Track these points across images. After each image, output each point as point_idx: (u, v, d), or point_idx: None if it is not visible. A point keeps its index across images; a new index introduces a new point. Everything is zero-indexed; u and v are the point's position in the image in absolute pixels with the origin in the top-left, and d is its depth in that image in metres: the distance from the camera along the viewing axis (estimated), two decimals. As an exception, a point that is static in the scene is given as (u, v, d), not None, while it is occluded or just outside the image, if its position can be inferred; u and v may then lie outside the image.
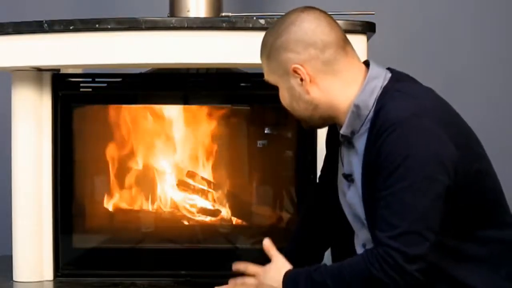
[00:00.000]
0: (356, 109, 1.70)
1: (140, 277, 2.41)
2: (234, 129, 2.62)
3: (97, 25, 2.24)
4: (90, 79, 2.45)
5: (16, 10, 2.97)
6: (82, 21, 2.25)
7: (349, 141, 1.76)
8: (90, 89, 2.45)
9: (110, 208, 2.60)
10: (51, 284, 2.40)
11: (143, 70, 2.54)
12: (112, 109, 2.57)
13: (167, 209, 2.61)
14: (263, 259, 1.82)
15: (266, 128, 2.58)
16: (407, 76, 1.78)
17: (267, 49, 1.77)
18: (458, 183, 1.62)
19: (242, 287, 1.82)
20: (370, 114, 1.69)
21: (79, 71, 2.59)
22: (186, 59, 2.26)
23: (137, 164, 2.62)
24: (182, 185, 2.61)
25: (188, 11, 2.43)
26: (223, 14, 2.45)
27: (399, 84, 1.71)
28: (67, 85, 2.44)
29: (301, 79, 1.72)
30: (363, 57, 2.02)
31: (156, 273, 2.42)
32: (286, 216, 2.55)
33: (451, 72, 2.95)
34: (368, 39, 2.26)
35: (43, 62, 2.28)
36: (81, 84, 2.45)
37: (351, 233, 1.87)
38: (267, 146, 2.56)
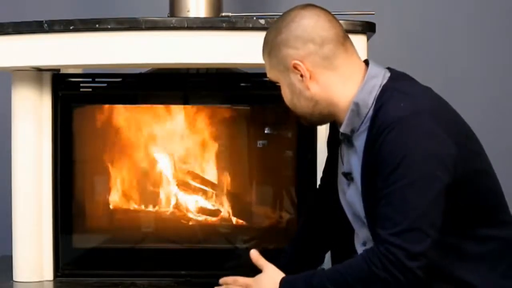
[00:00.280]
0: (356, 107, 1.71)
1: (140, 277, 2.41)
2: (234, 129, 2.61)
3: (97, 25, 2.24)
4: (90, 79, 2.45)
5: (16, 10, 2.97)
6: (82, 21, 2.25)
7: (348, 140, 1.77)
8: (90, 89, 2.45)
9: (110, 208, 2.60)
10: (51, 284, 2.40)
11: (143, 70, 2.54)
12: (112, 109, 2.57)
13: (167, 209, 2.61)
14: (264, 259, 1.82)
15: (266, 128, 2.58)
16: (406, 75, 1.78)
17: (268, 46, 1.78)
18: (457, 181, 1.63)
19: None
20: (370, 112, 1.69)
21: (79, 71, 2.59)
22: (186, 59, 2.26)
23: (137, 164, 2.62)
24: (182, 185, 2.61)
25: (188, 11, 2.43)
26: (223, 14, 2.45)
27: (398, 83, 1.72)
28: (67, 85, 2.44)
29: (301, 75, 1.73)
30: (363, 57, 2.02)
31: (156, 273, 2.42)
32: (286, 216, 2.55)
33: (451, 72, 2.95)
34: (368, 39, 2.26)
35: (43, 62, 2.28)
36: (81, 84, 2.45)
37: (351, 233, 1.87)
38: (267, 146, 2.56)
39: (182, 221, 2.58)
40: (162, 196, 2.61)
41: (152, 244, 2.52)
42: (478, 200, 1.69)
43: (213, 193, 2.62)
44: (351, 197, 1.80)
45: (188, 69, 2.50)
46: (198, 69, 2.50)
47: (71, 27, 2.24)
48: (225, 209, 2.60)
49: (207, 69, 2.49)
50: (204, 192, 2.61)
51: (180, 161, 2.63)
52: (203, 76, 2.50)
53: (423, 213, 1.58)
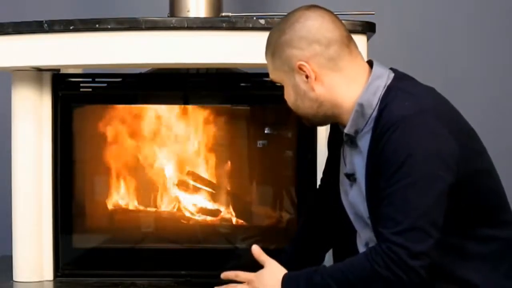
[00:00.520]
0: (360, 108, 1.71)
1: (140, 277, 2.41)
2: (234, 129, 2.61)
3: (97, 25, 2.24)
4: (90, 79, 2.45)
5: (16, 10, 2.97)
6: (82, 21, 2.25)
7: (352, 141, 1.76)
8: (90, 89, 2.45)
9: (110, 208, 2.60)
10: (51, 284, 2.40)
11: (143, 70, 2.54)
12: (112, 109, 2.57)
13: (167, 209, 2.61)
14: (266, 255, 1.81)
15: (266, 128, 2.58)
16: (409, 76, 1.78)
17: (271, 46, 1.78)
18: (459, 181, 1.63)
19: None
20: (374, 113, 1.69)
21: (79, 71, 2.58)
22: (186, 59, 2.26)
23: (137, 164, 2.62)
24: (182, 185, 2.61)
25: (188, 11, 2.43)
26: (223, 14, 2.45)
27: (402, 83, 1.72)
28: (67, 85, 2.44)
29: (307, 76, 1.73)
30: (363, 57, 2.02)
31: (156, 273, 2.42)
32: (286, 216, 2.55)
33: (451, 72, 2.95)
34: (368, 39, 2.26)
35: (43, 62, 2.28)
36: (81, 84, 2.45)
37: (351, 233, 1.87)
38: (267, 146, 2.56)
39: (182, 221, 2.59)
40: (162, 196, 2.61)
41: (152, 244, 2.52)
42: (479, 200, 1.69)
43: (213, 193, 2.62)
44: (353, 198, 1.80)
45: (188, 69, 2.50)
46: (198, 69, 2.50)
47: (71, 27, 2.24)
48: (225, 209, 2.60)
49: (207, 69, 2.49)
50: (204, 192, 2.61)
51: (180, 161, 2.63)
52: (203, 76, 2.50)
53: (425, 213, 1.58)
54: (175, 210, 2.61)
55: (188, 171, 2.62)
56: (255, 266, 1.81)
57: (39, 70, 2.38)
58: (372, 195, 1.69)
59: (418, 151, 1.59)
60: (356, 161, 1.77)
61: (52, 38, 2.25)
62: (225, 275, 1.84)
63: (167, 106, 2.56)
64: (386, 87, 1.71)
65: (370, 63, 1.78)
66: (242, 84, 2.47)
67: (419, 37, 2.96)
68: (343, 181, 1.85)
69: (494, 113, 2.95)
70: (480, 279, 1.68)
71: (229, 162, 2.62)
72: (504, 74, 2.98)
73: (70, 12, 2.84)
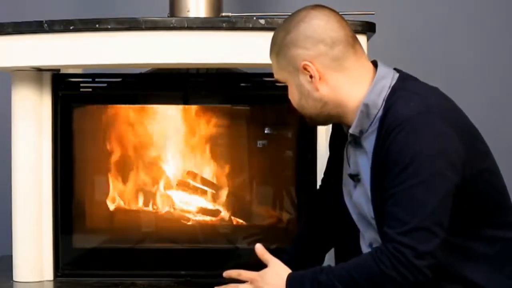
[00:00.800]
0: (365, 108, 1.71)
1: (140, 277, 2.41)
2: (234, 129, 2.61)
3: (97, 25, 2.24)
4: (90, 79, 2.45)
5: (16, 10, 2.97)
6: (82, 21, 2.25)
7: (356, 141, 1.76)
8: (90, 89, 2.45)
9: (110, 208, 2.60)
10: (51, 284, 2.40)
11: (143, 70, 2.54)
12: (112, 109, 2.57)
13: (167, 209, 2.61)
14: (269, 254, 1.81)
15: (266, 128, 2.58)
16: (413, 77, 1.78)
17: (276, 46, 1.77)
18: (465, 181, 1.63)
19: None
20: (379, 113, 1.69)
21: (79, 71, 2.59)
22: (186, 59, 2.26)
23: (137, 164, 2.62)
24: (182, 185, 2.61)
25: (188, 11, 2.43)
26: (223, 14, 2.45)
27: (407, 84, 1.72)
28: (67, 85, 2.44)
29: (311, 76, 1.73)
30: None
31: (156, 273, 2.42)
32: (286, 216, 2.55)
33: (451, 72, 2.95)
34: (368, 39, 2.26)
35: (43, 62, 2.28)
36: (81, 84, 2.45)
37: (354, 233, 1.86)
38: (267, 146, 2.56)
39: (182, 221, 2.58)
40: (162, 196, 2.61)
41: (152, 244, 2.52)
42: (484, 200, 1.69)
43: (213, 193, 2.62)
44: (358, 198, 1.80)
45: (188, 69, 2.50)
46: (198, 69, 2.50)
47: (71, 27, 2.24)
48: (225, 209, 2.60)
49: (207, 69, 2.49)
50: (204, 192, 2.61)
51: (180, 161, 2.63)
52: (203, 76, 2.50)
53: (431, 213, 1.58)
54: (175, 210, 2.61)
55: (188, 171, 2.62)
56: (256, 265, 1.80)
57: (39, 70, 2.38)
58: (377, 195, 1.69)
59: (424, 151, 1.58)
60: (360, 162, 1.76)
61: (52, 38, 2.25)
62: (228, 273, 1.83)
63: (167, 106, 2.56)
64: (391, 87, 1.71)
65: (374, 63, 1.78)
66: (242, 84, 2.46)
67: (419, 37, 2.96)
68: (347, 182, 1.85)
69: (494, 113, 2.95)
70: (484, 279, 1.68)
71: (229, 162, 2.62)
72: (504, 74, 2.98)
73: (70, 12, 2.84)
